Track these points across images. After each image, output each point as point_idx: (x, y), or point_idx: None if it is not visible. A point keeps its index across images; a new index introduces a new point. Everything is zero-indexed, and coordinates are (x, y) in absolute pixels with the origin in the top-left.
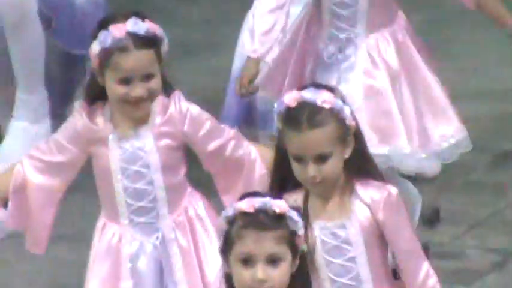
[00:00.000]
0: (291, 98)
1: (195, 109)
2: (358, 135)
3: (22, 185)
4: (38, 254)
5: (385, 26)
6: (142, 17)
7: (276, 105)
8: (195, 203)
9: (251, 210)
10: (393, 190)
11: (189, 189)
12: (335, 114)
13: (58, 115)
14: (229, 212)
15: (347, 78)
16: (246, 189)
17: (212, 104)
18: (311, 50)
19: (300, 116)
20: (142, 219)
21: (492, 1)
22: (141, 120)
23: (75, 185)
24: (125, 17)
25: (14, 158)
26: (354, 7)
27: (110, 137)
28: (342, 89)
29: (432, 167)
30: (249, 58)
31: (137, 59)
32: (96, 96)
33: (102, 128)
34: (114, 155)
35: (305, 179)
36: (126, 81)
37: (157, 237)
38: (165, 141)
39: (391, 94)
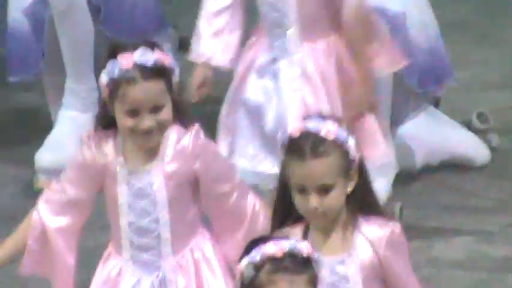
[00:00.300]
0: (294, 127)
1: (211, 148)
2: (362, 170)
3: (42, 232)
4: None
5: (322, 36)
6: (153, 46)
7: (279, 137)
8: (203, 244)
9: (280, 254)
10: (396, 228)
11: (200, 229)
12: (339, 145)
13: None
14: (255, 257)
15: (280, 88)
16: (247, 240)
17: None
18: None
19: (304, 146)
20: (144, 256)
21: None
22: (153, 152)
23: None
24: (134, 47)
25: (63, 147)
26: (282, 11)
27: (119, 170)
28: (275, 101)
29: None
30: (196, 63)
31: (145, 90)
32: (108, 125)
33: (111, 160)
34: (122, 189)
35: (307, 211)
36: (134, 113)
37: (157, 276)
38: (175, 178)
39: (325, 105)
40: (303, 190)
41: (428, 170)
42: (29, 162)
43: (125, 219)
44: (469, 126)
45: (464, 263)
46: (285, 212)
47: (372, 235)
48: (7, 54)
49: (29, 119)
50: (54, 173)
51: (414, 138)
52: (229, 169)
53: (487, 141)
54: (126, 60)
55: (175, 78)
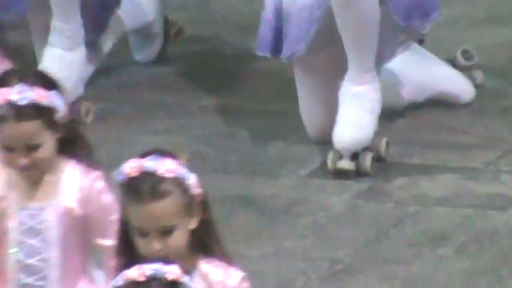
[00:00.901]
0: (131, 167)
1: (106, 198)
2: (204, 205)
3: None
4: None
5: None
6: (36, 81)
7: (115, 174)
8: None
9: (142, 278)
10: (236, 274)
11: (88, 275)
12: (179, 184)
13: (92, 43)
14: (118, 281)
15: None
16: None
17: (248, 30)
18: None
19: (142, 187)
20: None
21: None
22: (47, 189)
23: (111, 112)
24: (16, 80)
25: None
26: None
27: (10, 205)
28: None
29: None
30: None
31: (16, 130)
32: None
33: (2, 195)
34: (13, 225)
35: (149, 254)
36: (9, 148)
37: None
38: (68, 218)
39: None
40: (143, 233)
41: (413, 107)
42: None
43: (13, 256)
44: (453, 63)
45: (449, 200)
46: (129, 251)
47: (213, 276)
48: None
49: (15, 56)
50: None
51: (399, 76)
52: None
53: (472, 78)
54: (1, 96)
55: (59, 115)
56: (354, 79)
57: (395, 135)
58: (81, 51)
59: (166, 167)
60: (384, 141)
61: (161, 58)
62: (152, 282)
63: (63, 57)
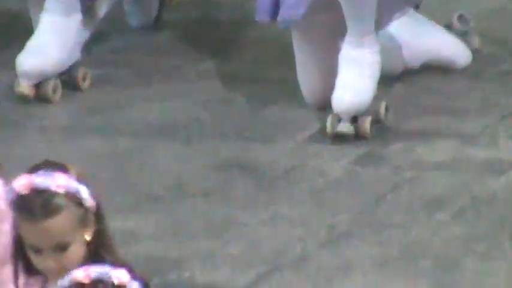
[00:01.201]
0: (21, 184)
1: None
2: (99, 216)
3: None
4: None
5: None
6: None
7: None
8: None
9: (87, 281)
10: (134, 285)
11: None
12: (71, 198)
13: (87, 9)
14: (64, 282)
15: None
16: None
17: None
18: None
19: (33, 205)
20: None
21: None
22: None
23: (108, 77)
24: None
25: (44, 52)
26: None
27: None
28: None
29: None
30: None
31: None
32: None
33: None
34: None
35: (45, 270)
36: None
37: None
38: None
39: None
40: (38, 250)
41: (410, 72)
42: (10, 66)
43: None
44: (449, 28)
45: (446, 165)
46: (26, 263)
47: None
48: None
49: (10, 23)
50: (35, 77)
51: (396, 41)
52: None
53: (468, 44)
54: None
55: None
56: (353, 43)
57: (393, 100)
58: (76, 17)
59: (57, 182)
60: (383, 104)
61: (157, 24)
62: (98, 284)
63: (59, 23)
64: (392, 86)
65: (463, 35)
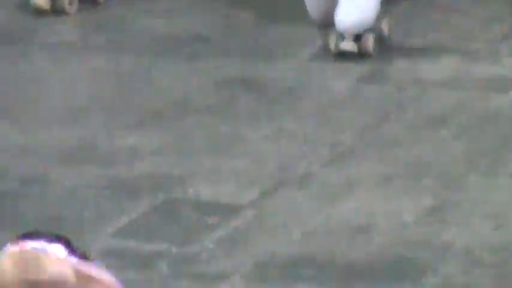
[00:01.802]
0: None
1: None
2: None
3: None
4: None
5: None
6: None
7: None
8: None
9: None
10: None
11: None
12: None
13: None
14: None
15: None
16: None
17: None
18: None
19: None
20: None
21: None
22: None
23: None
24: None
25: None
26: None
27: None
28: None
29: None
30: None
31: None
32: None
33: None
34: None
35: None
36: None
37: None
38: None
39: None
40: None
41: None
42: None
43: None
44: None
45: (449, 82)
46: None
47: None
48: None
49: None
50: None
51: None
52: None
53: None
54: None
55: None
56: None
57: (396, 17)
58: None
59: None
60: (386, 22)
61: None
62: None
63: None
64: (395, 3)
65: None
